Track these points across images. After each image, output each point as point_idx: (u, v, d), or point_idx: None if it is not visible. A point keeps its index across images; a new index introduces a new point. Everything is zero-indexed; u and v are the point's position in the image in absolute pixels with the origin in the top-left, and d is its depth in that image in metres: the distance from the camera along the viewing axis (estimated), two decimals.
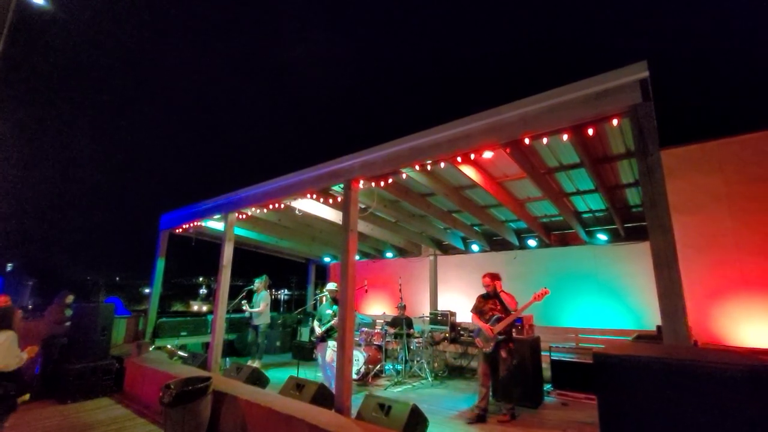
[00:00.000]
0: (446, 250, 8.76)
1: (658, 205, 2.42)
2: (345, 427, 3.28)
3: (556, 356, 5.68)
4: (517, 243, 7.51)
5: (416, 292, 8.93)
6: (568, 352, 5.73)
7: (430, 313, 7.60)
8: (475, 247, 8.18)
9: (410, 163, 3.91)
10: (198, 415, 3.86)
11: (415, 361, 6.64)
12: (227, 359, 7.21)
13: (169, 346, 7.22)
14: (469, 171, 4.44)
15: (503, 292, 4.66)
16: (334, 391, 4.08)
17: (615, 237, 6.58)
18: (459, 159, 3.81)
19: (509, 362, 4.49)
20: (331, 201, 5.35)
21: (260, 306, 7.23)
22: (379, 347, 6.78)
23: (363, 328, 7.32)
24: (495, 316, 4.56)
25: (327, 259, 10.84)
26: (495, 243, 7.94)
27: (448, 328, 7.07)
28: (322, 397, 4.11)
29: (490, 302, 4.71)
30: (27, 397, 4.92)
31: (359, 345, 6.59)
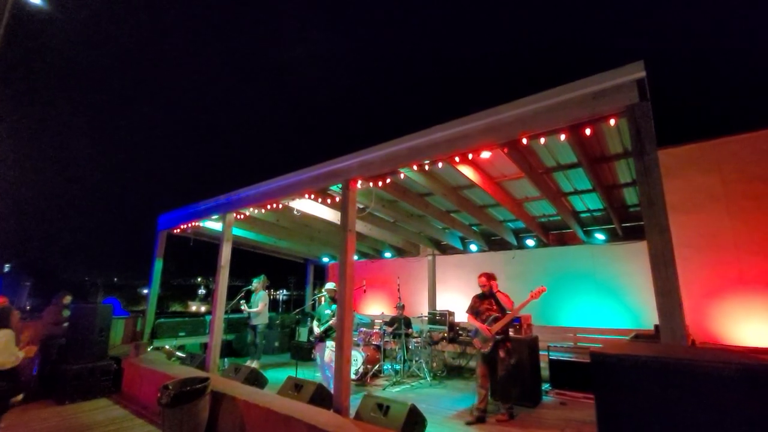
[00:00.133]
0: (444, 249, 8.76)
1: (655, 205, 2.42)
2: (343, 427, 3.28)
3: (554, 356, 5.69)
4: (515, 243, 7.52)
5: (415, 292, 8.93)
6: (567, 351, 5.75)
7: (429, 313, 7.61)
8: (473, 247, 8.18)
9: (408, 163, 3.91)
10: (196, 415, 3.86)
11: (414, 361, 6.64)
12: (225, 360, 7.20)
13: (167, 347, 7.20)
14: (467, 171, 4.44)
15: (499, 291, 4.64)
16: (332, 391, 4.08)
17: (613, 236, 6.59)
18: (457, 159, 3.81)
19: (507, 362, 4.47)
20: (329, 201, 5.35)
21: (258, 306, 7.22)
22: (378, 347, 6.78)
23: (361, 328, 7.33)
24: (492, 316, 4.54)
25: (325, 259, 10.83)
26: (493, 243, 7.94)
27: (446, 328, 7.07)
28: (320, 397, 4.11)
29: (486, 302, 4.68)
30: (20, 397, 4.90)
31: (358, 345, 6.59)
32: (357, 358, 6.19)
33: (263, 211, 5.87)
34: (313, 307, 9.18)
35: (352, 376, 5.93)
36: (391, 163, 4.02)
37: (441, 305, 8.37)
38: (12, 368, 3.82)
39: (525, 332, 5.61)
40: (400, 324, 6.61)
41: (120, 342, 7.24)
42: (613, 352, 1.51)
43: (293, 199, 5.53)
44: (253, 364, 6.81)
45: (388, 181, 4.47)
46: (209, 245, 7.84)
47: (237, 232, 7.14)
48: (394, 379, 6.22)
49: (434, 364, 6.88)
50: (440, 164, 3.94)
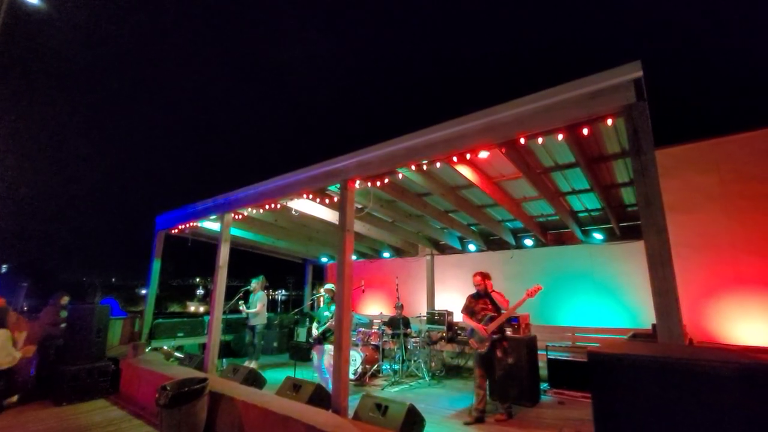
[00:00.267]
0: (443, 249, 8.77)
1: (652, 204, 2.43)
2: (342, 427, 3.28)
3: (552, 355, 5.70)
4: (513, 242, 7.52)
5: (413, 292, 8.94)
6: (565, 350, 5.76)
7: (427, 313, 7.61)
8: (472, 247, 8.19)
9: (406, 162, 3.91)
10: (194, 416, 3.85)
11: (413, 361, 6.64)
12: (224, 360, 7.18)
13: (165, 348, 7.18)
14: (465, 171, 4.44)
15: (494, 291, 4.63)
16: (331, 391, 4.08)
17: (611, 236, 6.60)
18: (455, 159, 3.81)
19: (505, 362, 4.46)
20: (327, 201, 5.35)
21: (257, 306, 7.21)
22: (377, 347, 6.77)
23: (360, 328, 7.32)
24: (488, 316, 4.51)
25: (324, 260, 10.82)
26: (492, 242, 7.95)
27: (445, 328, 7.08)
28: (319, 397, 4.11)
29: (481, 302, 4.65)
30: (15, 398, 4.89)
31: (356, 345, 6.59)
32: (355, 358, 6.19)
33: (261, 211, 5.86)
34: (312, 307, 9.19)
35: (351, 376, 5.93)
36: (389, 163, 4.02)
37: (439, 305, 8.38)
38: (8, 368, 3.80)
39: (523, 332, 5.62)
40: (398, 324, 6.61)
41: (118, 343, 7.21)
42: (610, 351, 1.51)
43: (291, 199, 5.53)
44: (252, 364, 6.80)
45: (387, 181, 4.48)
46: (207, 245, 7.83)
47: (235, 232, 7.13)
48: (393, 379, 6.22)
49: (433, 364, 6.88)
50: (438, 164, 3.94)
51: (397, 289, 7.24)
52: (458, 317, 7.30)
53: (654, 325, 4.59)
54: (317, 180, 4.68)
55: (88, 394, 5.46)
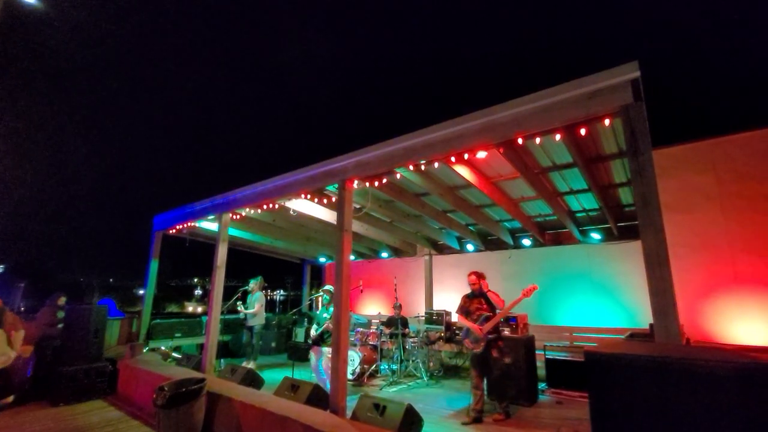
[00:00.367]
0: (441, 249, 8.77)
1: (649, 204, 2.43)
2: (340, 427, 3.27)
3: (550, 355, 5.70)
4: (511, 242, 7.53)
5: (412, 292, 8.94)
6: (563, 350, 5.77)
7: (426, 313, 7.61)
8: (470, 247, 8.20)
9: (404, 163, 3.91)
10: (192, 417, 3.84)
11: (411, 361, 6.64)
12: (222, 360, 7.17)
13: (163, 348, 7.17)
14: (463, 171, 4.44)
15: (489, 290, 4.61)
16: (329, 391, 4.07)
17: (608, 236, 6.61)
18: (453, 159, 3.82)
19: (501, 361, 4.45)
20: (325, 201, 5.34)
21: (255, 307, 7.20)
22: (375, 347, 6.77)
23: (358, 328, 7.31)
24: (483, 315, 4.48)
25: (322, 260, 10.81)
26: (490, 242, 7.96)
27: (443, 328, 7.08)
28: (317, 397, 4.10)
29: (476, 301, 4.62)
30: (10, 399, 4.87)
31: (354, 345, 6.58)
32: (354, 359, 6.18)
33: (259, 211, 5.85)
34: (310, 307, 9.19)
35: (349, 376, 5.93)
36: (387, 163, 4.02)
37: (438, 305, 8.38)
38: (3, 368, 3.78)
39: (521, 331, 5.62)
40: (397, 324, 6.60)
41: (115, 343, 7.19)
42: (608, 351, 1.51)
43: (289, 199, 5.52)
44: (250, 364, 6.79)
45: (385, 181, 4.47)
46: (205, 246, 7.82)
47: (233, 232, 7.12)
48: (391, 379, 6.22)
49: (431, 364, 6.88)
50: (436, 164, 3.95)
51: (395, 289, 7.24)
52: (456, 317, 7.33)
53: (651, 325, 4.60)
54: (315, 180, 4.68)
55: (85, 395, 5.45)
